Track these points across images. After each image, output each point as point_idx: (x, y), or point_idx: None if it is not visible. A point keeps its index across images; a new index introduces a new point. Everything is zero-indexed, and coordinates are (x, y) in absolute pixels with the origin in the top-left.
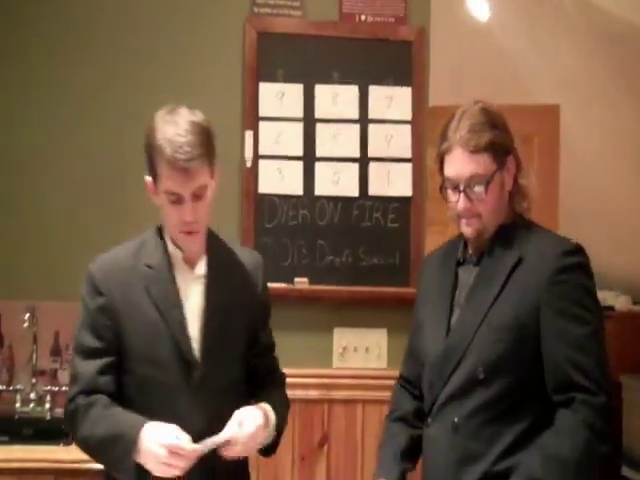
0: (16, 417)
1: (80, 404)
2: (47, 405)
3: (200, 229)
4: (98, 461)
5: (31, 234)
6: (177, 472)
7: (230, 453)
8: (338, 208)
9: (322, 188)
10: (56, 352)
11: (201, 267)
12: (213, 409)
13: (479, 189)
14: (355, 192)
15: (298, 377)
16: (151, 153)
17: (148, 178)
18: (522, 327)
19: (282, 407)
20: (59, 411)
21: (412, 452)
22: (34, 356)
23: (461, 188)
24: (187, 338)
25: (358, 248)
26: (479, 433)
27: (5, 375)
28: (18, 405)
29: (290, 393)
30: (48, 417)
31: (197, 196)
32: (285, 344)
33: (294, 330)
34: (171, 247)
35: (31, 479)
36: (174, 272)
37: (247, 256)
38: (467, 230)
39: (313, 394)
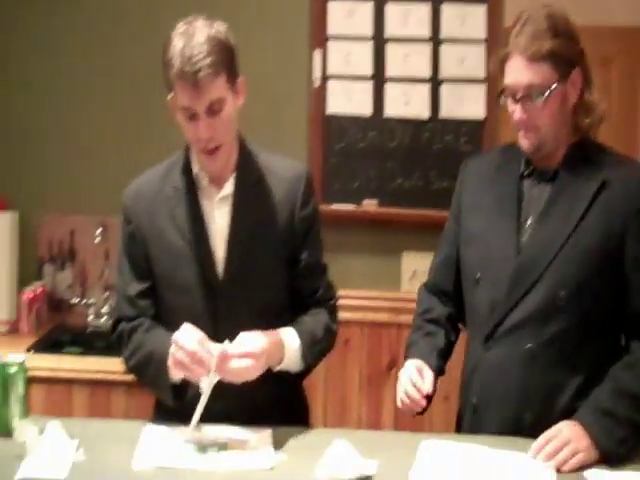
0: (89, 330)
1: (124, 329)
2: None
3: (220, 147)
4: (144, 384)
5: (101, 148)
6: (193, 376)
7: (225, 374)
8: (408, 130)
9: (392, 109)
10: None
11: (228, 187)
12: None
13: (537, 100)
14: (426, 114)
15: (366, 299)
16: (165, 68)
17: (170, 95)
18: (607, 253)
19: (312, 331)
20: None
21: (447, 355)
22: (105, 271)
23: (518, 97)
24: (212, 262)
25: (429, 171)
26: (558, 363)
27: (78, 289)
28: (91, 318)
29: (359, 316)
30: None
31: (213, 111)
32: (353, 267)
33: (362, 253)
34: (196, 168)
35: (104, 390)
36: (199, 194)
37: (287, 170)
38: (524, 143)
39: (382, 317)
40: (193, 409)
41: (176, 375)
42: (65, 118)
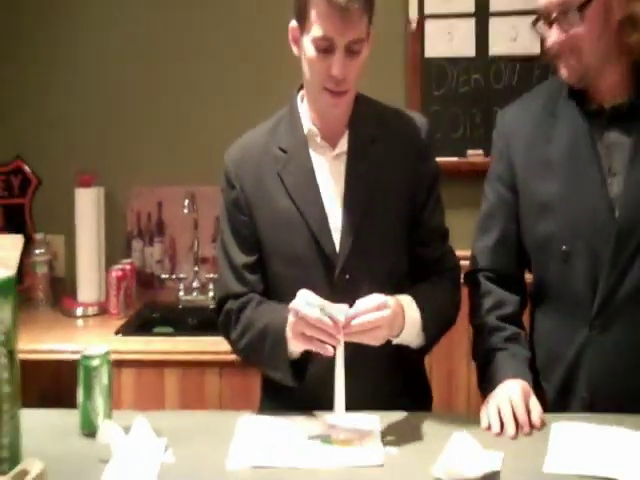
0: (180, 306)
1: (231, 308)
2: (210, 293)
3: (347, 92)
4: (257, 366)
5: (187, 117)
6: (318, 347)
7: (354, 335)
8: (516, 69)
9: (498, 47)
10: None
11: (343, 144)
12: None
13: (573, 16)
14: (536, 49)
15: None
16: None
17: (293, 23)
18: None
19: (435, 302)
20: None
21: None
22: (195, 243)
23: (552, 17)
24: (326, 229)
25: None
26: None
27: (168, 264)
28: (181, 294)
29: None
30: (212, 305)
31: (352, 51)
32: (456, 224)
33: (466, 208)
34: (307, 124)
35: (196, 371)
36: (310, 153)
37: (406, 122)
38: (564, 72)
39: None
40: (310, 391)
41: (297, 348)
42: (147, 87)
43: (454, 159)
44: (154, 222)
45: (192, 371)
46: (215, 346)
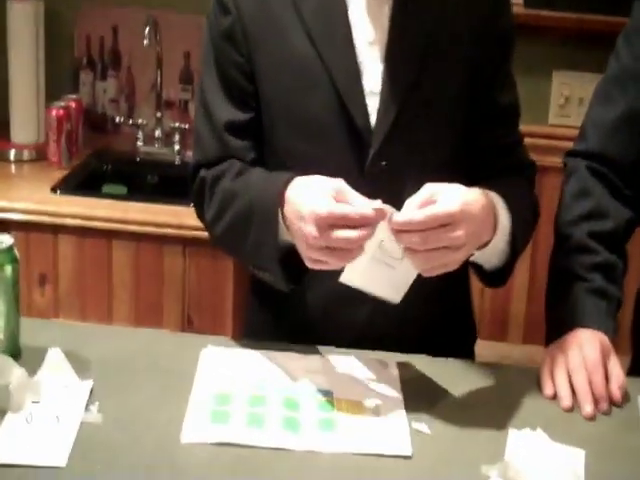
0: (137, 159)
1: (205, 178)
2: (176, 146)
3: None
4: (240, 260)
5: None
6: (323, 266)
7: (409, 243)
8: None
9: None
10: (187, 79)
11: None
12: (393, 204)
13: None
14: None
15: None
16: None
17: None
18: None
19: (520, 207)
20: (191, 155)
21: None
22: (158, 82)
23: None
24: (358, 91)
25: None
26: None
27: (124, 105)
28: (140, 144)
29: None
30: (177, 161)
31: None
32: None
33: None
34: None
35: (154, 247)
36: None
37: None
38: None
39: None
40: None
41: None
42: None
43: (562, 14)
44: (107, 51)
45: (148, 246)
46: (179, 217)
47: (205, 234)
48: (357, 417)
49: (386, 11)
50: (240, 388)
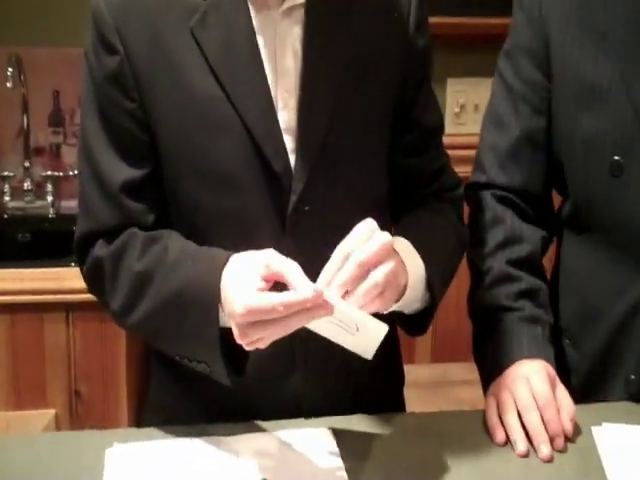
0: (5, 216)
1: (100, 260)
2: (49, 197)
3: None
4: (158, 345)
5: None
6: (260, 344)
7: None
8: None
9: None
10: (57, 121)
11: None
12: (319, 253)
13: None
14: None
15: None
16: None
17: None
18: None
19: (441, 245)
20: (67, 206)
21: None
22: (25, 126)
23: None
24: (275, 130)
25: None
26: None
27: None
28: (8, 199)
29: None
30: (51, 214)
31: None
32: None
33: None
34: None
35: (31, 317)
36: (247, 4)
37: None
38: None
39: None
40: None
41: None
42: None
43: (453, 20)
44: None
45: (25, 317)
46: (59, 279)
47: (90, 297)
48: None
49: (298, 33)
50: None
